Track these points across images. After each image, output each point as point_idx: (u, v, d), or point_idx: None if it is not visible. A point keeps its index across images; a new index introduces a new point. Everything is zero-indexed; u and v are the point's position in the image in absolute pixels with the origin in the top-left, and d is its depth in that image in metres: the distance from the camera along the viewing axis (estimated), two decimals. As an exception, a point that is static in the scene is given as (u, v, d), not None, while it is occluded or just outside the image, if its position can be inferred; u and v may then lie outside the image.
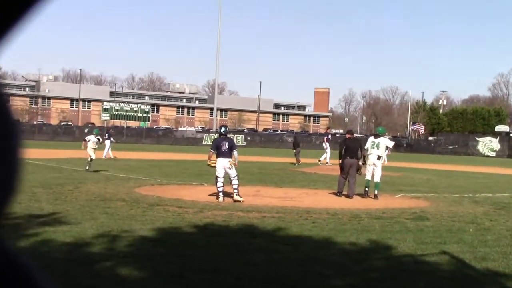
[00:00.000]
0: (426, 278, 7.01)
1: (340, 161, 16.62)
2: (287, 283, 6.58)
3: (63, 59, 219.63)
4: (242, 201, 13.99)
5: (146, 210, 11.84)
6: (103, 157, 32.44)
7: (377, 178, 16.06)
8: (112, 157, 34.28)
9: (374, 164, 16.12)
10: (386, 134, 16.84)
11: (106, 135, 36.91)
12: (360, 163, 16.45)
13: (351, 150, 16.50)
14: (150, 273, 6.72)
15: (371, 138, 16.69)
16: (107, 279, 6.44)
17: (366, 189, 16.09)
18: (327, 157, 34.34)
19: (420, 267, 7.57)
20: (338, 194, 16.34)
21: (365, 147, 16.46)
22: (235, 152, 14.51)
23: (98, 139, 24.40)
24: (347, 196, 16.03)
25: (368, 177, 16.17)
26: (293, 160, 33.41)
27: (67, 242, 8.22)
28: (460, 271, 7.51)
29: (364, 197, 15.91)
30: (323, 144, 37.76)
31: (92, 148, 23.42)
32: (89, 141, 23.73)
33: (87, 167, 22.23)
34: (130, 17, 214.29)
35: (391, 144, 16.39)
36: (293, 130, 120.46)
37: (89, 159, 22.75)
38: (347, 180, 16.26)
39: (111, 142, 36.19)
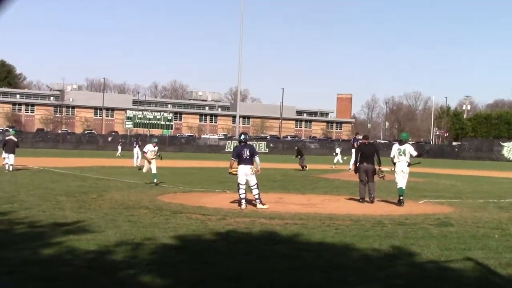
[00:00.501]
0: (450, 284, 6.93)
1: (354, 166, 17.11)
2: (310, 290, 6.55)
3: (86, 68, 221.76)
4: (267, 208, 14.00)
5: (169, 218, 11.88)
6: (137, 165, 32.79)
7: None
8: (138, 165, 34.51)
9: (402, 171, 15.75)
10: (410, 140, 16.46)
11: (134, 143, 37.39)
12: (376, 167, 16.39)
13: (366, 155, 16.51)
14: (173, 280, 6.73)
15: (396, 145, 16.21)
16: (130, 287, 6.46)
17: (401, 197, 15.52)
18: (351, 162, 34.31)
19: (444, 274, 7.48)
20: (361, 200, 16.29)
21: (392, 155, 16.05)
22: (257, 158, 14.54)
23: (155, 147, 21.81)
24: (369, 202, 16.06)
25: (401, 185, 15.67)
26: (297, 166, 34.52)
27: (91, 250, 8.27)
28: (485, 277, 7.39)
29: (401, 206, 15.19)
30: (352, 149, 37.99)
31: (152, 158, 21.45)
32: (147, 151, 21.60)
33: (155, 181, 20.64)
34: (152, 26, 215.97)
35: (414, 153, 15.99)
36: (315, 137, 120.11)
37: (151, 170, 21.08)
38: (367, 185, 16.25)
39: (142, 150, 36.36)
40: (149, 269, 7.19)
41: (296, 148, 38.79)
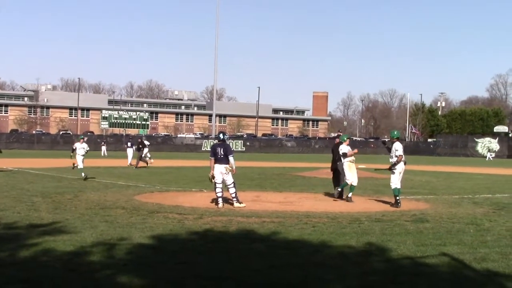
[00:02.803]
0: (426, 280, 7.00)
1: (331, 165, 17.30)
2: (288, 287, 6.57)
3: (61, 69, 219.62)
4: (244, 207, 14.01)
5: (146, 218, 11.82)
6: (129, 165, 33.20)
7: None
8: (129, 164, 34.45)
9: (400, 172, 15.00)
10: (400, 138, 15.46)
11: (129, 143, 37.39)
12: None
13: (338, 154, 16.79)
14: (151, 280, 6.71)
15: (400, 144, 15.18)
16: (107, 287, 6.43)
17: (398, 198, 14.88)
18: None
19: (420, 269, 7.56)
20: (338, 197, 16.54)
21: (391, 154, 15.13)
22: (231, 158, 14.50)
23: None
24: (340, 198, 16.40)
25: (398, 185, 14.99)
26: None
27: (67, 251, 8.20)
28: (460, 272, 7.49)
29: (398, 207, 14.54)
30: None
31: (81, 155, 23.24)
32: (76, 148, 23.56)
33: (83, 175, 22.17)
34: (127, 26, 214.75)
35: (398, 152, 14.94)
36: (292, 135, 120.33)
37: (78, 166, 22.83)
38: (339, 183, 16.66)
39: (135, 150, 36.27)
40: (126, 270, 7.16)
41: (138, 140, 35.04)
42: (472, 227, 11.34)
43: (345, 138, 16.83)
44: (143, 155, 32.86)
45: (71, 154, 23.97)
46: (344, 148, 16.32)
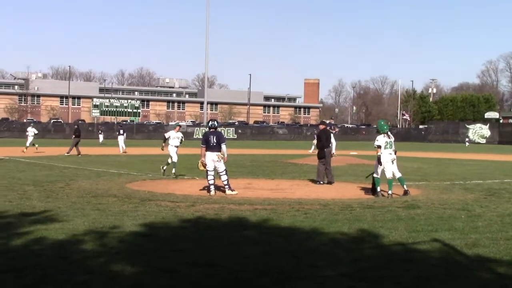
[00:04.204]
0: (417, 266, 7.03)
1: (319, 151, 17.71)
2: (280, 274, 6.58)
3: (51, 57, 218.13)
4: (236, 194, 14.01)
5: (138, 206, 11.80)
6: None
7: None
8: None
9: (391, 161, 14.36)
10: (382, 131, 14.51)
11: (121, 131, 37.50)
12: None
13: (328, 139, 17.70)
14: (143, 268, 6.70)
15: (384, 137, 14.41)
16: (100, 275, 6.41)
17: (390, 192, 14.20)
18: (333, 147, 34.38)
19: (411, 255, 7.59)
20: (321, 182, 17.05)
21: (377, 144, 14.40)
22: (223, 146, 14.49)
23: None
24: (330, 183, 16.97)
25: (398, 175, 14.45)
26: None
27: (59, 239, 8.18)
28: (451, 258, 7.52)
29: (408, 194, 14.24)
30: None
31: (175, 146, 19.91)
32: (168, 138, 20.20)
33: (163, 169, 19.38)
34: (118, 13, 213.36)
35: (376, 143, 14.41)
36: (283, 122, 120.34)
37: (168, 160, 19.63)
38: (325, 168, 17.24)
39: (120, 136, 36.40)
40: (118, 258, 7.15)
41: (75, 126, 34.18)
42: (463, 213, 11.40)
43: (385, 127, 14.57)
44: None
45: (162, 144, 20.70)
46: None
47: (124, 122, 74.47)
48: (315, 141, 41.32)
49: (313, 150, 38.93)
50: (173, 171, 19.29)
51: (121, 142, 36.14)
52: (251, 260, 7.17)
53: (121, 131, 37.28)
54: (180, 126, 21.53)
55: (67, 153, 31.09)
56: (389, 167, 14.30)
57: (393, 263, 7.17)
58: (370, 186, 14.91)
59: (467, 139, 74.62)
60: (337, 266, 6.97)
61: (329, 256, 7.47)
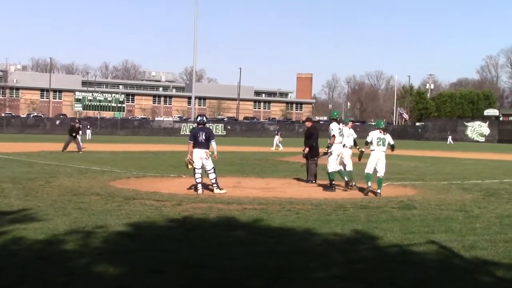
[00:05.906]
0: (413, 268, 6.88)
1: (308, 149, 17.28)
2: (271, 276, 6.41)
3: (31, 48, 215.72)
4: (224, 193, 13.74)
5: (121, 204, 11.53)
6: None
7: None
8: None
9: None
10: (337, 119, 15.99)
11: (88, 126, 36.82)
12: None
13: (316, 137, 17.52)
14: (127, 269, 6.51)
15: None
16: (82, 276, 6.22)
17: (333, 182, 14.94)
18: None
19: (407, 257, 7.42)
20: (313, 181, 16.91)
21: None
22: (213, 143, 14.17)
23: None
24: (309, 181, 16.99)
25: (337, 168, 15.17)
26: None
27: (39, 239, 7.95)
28: (448, 260, 7.37)
29: (333, 191, 14.71)
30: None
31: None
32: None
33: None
34: (102, 2, 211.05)
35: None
36: (275, 118, 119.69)
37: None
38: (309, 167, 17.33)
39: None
40: (101, 258, 6.97)
41: (72, 124, 33.77)
42: (461, 214, 11.22)
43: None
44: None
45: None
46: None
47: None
48: (276, 139, 42.10)
49: (275, 148, 39.32)
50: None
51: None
52: (241, 261, 6.97)
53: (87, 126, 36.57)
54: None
55: (63, 149, 30.36)
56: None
57: (389, 265, 7.01)
58: (364, 185, 14.71)
59: (449, 137, 73.87)
60: (330, 268, 6.85)
61: (322, 258, 7.30)
